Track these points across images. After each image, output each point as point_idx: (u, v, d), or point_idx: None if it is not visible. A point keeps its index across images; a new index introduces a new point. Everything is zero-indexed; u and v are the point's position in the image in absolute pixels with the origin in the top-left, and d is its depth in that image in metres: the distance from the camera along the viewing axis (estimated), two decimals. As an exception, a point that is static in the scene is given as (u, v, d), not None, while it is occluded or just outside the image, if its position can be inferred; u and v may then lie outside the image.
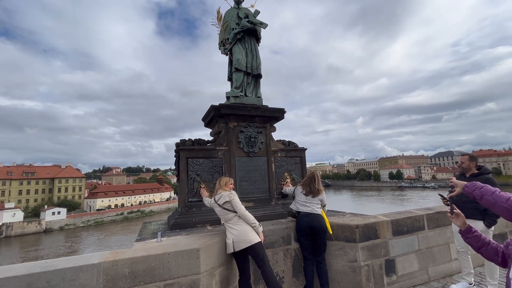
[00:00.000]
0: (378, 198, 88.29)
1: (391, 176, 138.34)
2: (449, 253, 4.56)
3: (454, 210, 2.03)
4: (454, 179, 2.24)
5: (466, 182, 2.05)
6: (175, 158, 4.79)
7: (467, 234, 1.91)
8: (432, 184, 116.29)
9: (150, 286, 2.62)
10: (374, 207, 59.00)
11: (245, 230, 3.18)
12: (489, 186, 1.85)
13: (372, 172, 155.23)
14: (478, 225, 3.11)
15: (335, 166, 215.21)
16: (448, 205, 4.02)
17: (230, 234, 3.21)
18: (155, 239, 3.50)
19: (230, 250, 3.15)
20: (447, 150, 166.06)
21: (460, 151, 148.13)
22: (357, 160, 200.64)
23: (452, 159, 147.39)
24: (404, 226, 4.27)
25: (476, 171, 3.68)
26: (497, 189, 1.82)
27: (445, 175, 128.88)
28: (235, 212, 3.27)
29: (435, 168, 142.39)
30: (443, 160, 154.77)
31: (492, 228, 3.61)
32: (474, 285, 3.83)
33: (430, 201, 67.03)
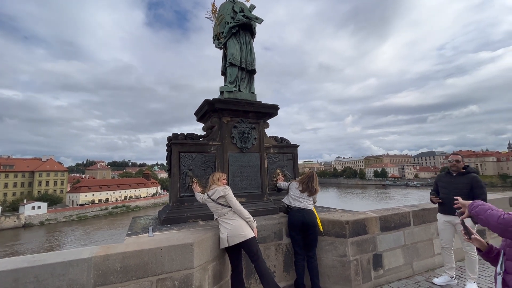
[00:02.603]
0: (363, 195, 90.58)
1: (376, 174, 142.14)
2: (432, 248, 4.75)
3: (473, 236, 2.01)
4: (460, 199, 2.18)
5: (470, 202, 2.04)
6: (166, 152, 4.72)
7: (489, 255, 1.92)
8: (415, 182, 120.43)
9: (142, 281, 2.58)
10: (359, 204, 60.55)
11: (240, 225, 3.19)
12: (484, 206, 1.86)
13: (358, 170, 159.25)
14: (467, 221, 3.29)
15: (322, 163, 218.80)
16: (435, 202, 4.15)
17: (224, 229, 3.20)
18: (147, 234, 3.45)
19: (224, 244, 3.15)
20: (429, 150, 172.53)
21: (442, 151, 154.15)
22: (344, 158, 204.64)
23: (434, 159, 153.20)
24: (391, 222, 4.40)
25: (463, 170, 3.88)
26: (490, 207, 1.83)
27: (427, 174, 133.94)
28: (230, 207, 3.27)
29: (417, 168, 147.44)
30: (426, 159, 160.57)
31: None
32: (455, 278, 4.03)
33: (412, 198, 69.49)
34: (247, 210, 3.38)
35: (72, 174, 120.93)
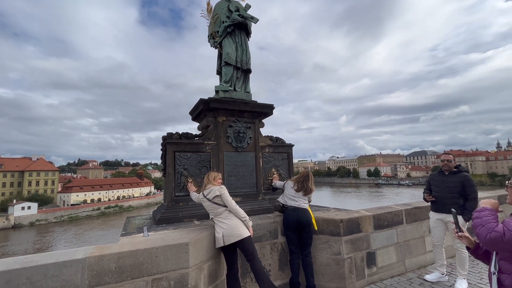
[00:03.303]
0: (356, 194, 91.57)
1: (369, 173, 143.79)
2: (424, 245, 4.84)
3: (461, 233, 2.13)
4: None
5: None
6: (161, 152, 4.69)
7: (477, 252, 2.04)
8: (407, 181, 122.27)
9: (137, 281, 2.57)
10: (353, 203, 61.13)
11: (235, 224, 3.20)
12: (475, 222, 1.88)
13: (352, 170, 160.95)
14: (458, 219, 3.41)
15: (316, 163, 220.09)
16: (428, 200, 4.22)
17: (220, 228, 3.21)
18: (142, 234, 3.43)
19: (220, 244, 3.16)
20: (421, 149, 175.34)
21: (434, 151, 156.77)
22: (337, 157, 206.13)
23: (426, 159, 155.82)
24: (384, 221, 4.47)
25: (455, 169, 3.98)
26: (481, 223, 1.83)
27: (419, 173, 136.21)
28: (225, 206, 3.27)
29: (410, 167, 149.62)
30: (418, 159, 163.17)
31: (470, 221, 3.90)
32: (446, 275, 4.12)
33: (404, 197, 70.60)
34: (242, 209, 3.39)
35: (64, 174, 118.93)
